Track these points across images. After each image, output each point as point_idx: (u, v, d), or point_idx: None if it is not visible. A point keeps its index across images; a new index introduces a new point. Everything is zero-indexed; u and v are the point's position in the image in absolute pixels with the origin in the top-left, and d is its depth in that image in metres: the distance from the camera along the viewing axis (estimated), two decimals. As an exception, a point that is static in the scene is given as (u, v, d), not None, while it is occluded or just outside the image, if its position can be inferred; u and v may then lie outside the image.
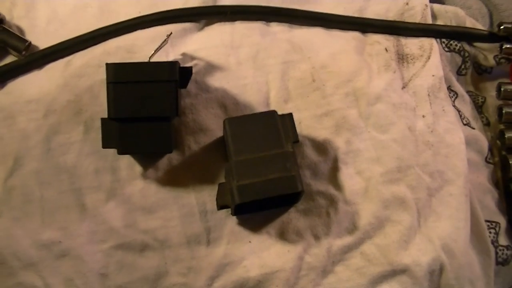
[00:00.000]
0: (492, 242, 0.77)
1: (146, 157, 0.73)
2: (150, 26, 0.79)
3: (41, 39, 0.79)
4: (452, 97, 0.82)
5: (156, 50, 0.74)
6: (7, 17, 0.79)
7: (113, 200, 0.72)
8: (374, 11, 0.84)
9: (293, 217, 0.73)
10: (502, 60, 0.85)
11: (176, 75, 0.67)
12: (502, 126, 0.82)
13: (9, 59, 0.78)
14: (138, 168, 0.73)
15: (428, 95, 0.79)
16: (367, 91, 0.77)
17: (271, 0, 0.82)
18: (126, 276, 0.70)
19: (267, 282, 0.70)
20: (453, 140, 0.77)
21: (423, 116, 0.78)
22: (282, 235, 0.72)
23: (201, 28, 0.81)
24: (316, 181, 0.74)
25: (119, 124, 0.67)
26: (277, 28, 0.82)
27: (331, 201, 0.73)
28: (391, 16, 0.84)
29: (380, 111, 0.77)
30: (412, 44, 0.82)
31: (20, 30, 0.80)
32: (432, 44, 0.82)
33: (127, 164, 0.73)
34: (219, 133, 0.74)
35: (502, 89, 0.81)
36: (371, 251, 0.72)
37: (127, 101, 0.66)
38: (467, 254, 0.74)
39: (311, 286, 0.71)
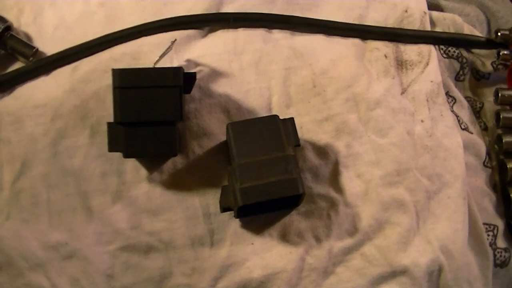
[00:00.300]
0: (490, 245, 0.78)
1: (151, 160, 0.74)
2: (155, 33, 0.80)
3: (48, 46, 0.80)
4: (450, 102, 0.83)
5: (161, 56, 0.74)
6: (15, 24, 0.80)
7: (119, 203, 0.73)
8: (373, 18, 0.85)
9: (295, 219, 0.74)
10: (500, 66, 0.86)
11: (181, 81, 0.68)
12: (499, 131, 0.83)
13: (18, 65, 0.78)
14: (143, 171, 0.74)
15: (427, 100, 0.80)
16: (367, 96, 0.78)
17: (273, 7, 0.84)
18: (131, 277, 0.71)
19: (270, 282, 0.71)
20: (451, 144, 0.78)
21: (422, 121, 0.79)
22: (284, 237, 0.73)
23: (205, 35, 0.82)
24: (317, 184, 0.75)
25: (124, 128, 0.68)
26: (279, 35, 0.83)
27: (332, 204, 0.74)
28: (390, 23, 0.85)
29: (379, 115, 0.78)
30: (411, 51, 0.84)
31: (28, 37, 0.80)
32: (430, 51, 0.83)
33: (133, 167, 0.74)
34: (222, 137, 0.75)
35: (499, 94, 0.82)
36: (371, 252, 0.73)
37: (132, 105, 0.66)
38: (465, 255, 0.75)
39: (312, 286, 0.71)
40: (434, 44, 0.84)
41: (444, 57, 0.85)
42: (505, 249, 0.79)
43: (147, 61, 0.77)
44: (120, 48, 0.79)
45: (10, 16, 0.81)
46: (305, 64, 0.80)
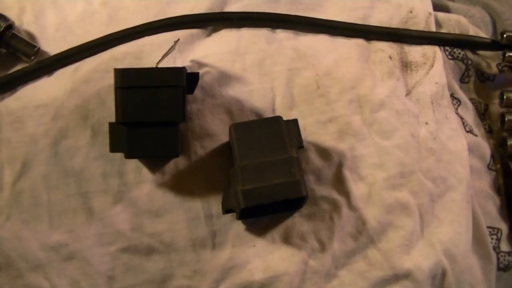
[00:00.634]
0: (494, 248, 0.78)
1: (153, 161, 0.74)
2: (157, 32, 0.79)
3: (50, 45, 0.79)
4: (455, 104, 0.82)
5: (164, 56, 0.74)
6: (16, 23, 0.80)
7: (120, 204, 0.72)
8: (378, 19, 0.84)
9: (297, 221, 0.73)
10: (505, 68, 0.85)
11: (184, 81, 0.67)
12: (504, 134, 0.83)
13: (20, 65, 0.78)
14: (145, 172, 0.73)
15: (431, 102, 0.80)
16: (371, 98, 0.78)
17: (277, 7, 0.83)
18: (132, 279, 0.70)
19: (271, 285, 0.70)
20: (456, 146, 0.78)
21: (426, 123, 0.79)
22: (286, 239, 0.72)
23: (208, 35, 0.81)
24: (320, 186, 0.74)
25: (126, 129, 0.67)
26: (283, 35, 0.82)
27: (335, 206, 0.74)
28: (395, 23, 0.84)
29: (383, 117, 0.77)
30: (415, 52, 0.83)
31: (30, 36, 0.80)
32: (435, 52, 0.83)
33: (134, 168, 0.73)
34: (225, 138, 0.75)
35: (504, 96, 0.81)
36: (374, 255, 0.72)
37: (134, 106, 0.66)
38: (468, 259, 0.74)
39: (314, 289, 0.71)
40: (439, 45, 0.84)
41: (449, 59, 0.85)
42: (509, 253, 0.79)
43: (149, 61, 0.77)
44: (122, 48, 0.79)
45: (11, 15, 0.80)
46: (308, 65, 0.80)
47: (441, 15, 0.87)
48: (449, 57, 0.85)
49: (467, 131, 0.81)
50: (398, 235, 0.73)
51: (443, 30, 0.86)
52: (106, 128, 0.70)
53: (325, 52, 0.81)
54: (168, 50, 0.75)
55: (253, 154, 0.66)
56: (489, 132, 0.86)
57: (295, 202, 0.68)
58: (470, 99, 0.86)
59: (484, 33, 0.88)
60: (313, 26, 0.83)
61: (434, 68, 0.82)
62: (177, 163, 0.74)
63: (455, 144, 0.78)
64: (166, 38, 0.79)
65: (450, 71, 0.84)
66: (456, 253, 0.73)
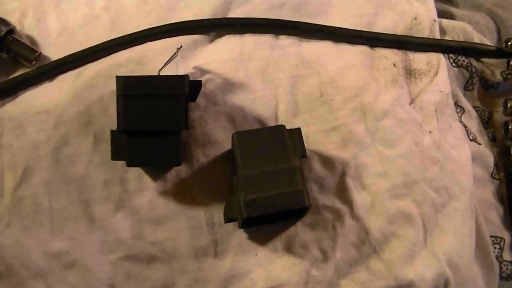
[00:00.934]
0: (497, 257, 0.78)
1: (155, 169, 0.73)
2: (160, 38, 0.79)
3: (52, 50, 0.79)
4: (458, 112, 0.82)
5: (166, 63, 0.74)
6: (18, 27, 0.79)
7: (121, 212, 0.72)
8: (382, 26, 0.84)
9: (300, 230, 0.73)
10: (509, 76, 0.85)
11: (186, 89, 0.67)
12: (508, 142, 0.82)
13: (21, 70, 0.78)
14: (146, 180, 0.73)
15: (435, 110, 0.80)
16: (375, 107, 0.77)
17: (280, 13, 0.83)
18: (133, 287, 0.70)
19: (274, 295, 0.70)
20: (459, 156, 0.77)
21: (430, 132, 0.78)
22: (289, 249, 0.72)
23: (211, 41, 0.81)
24: (323, 195, 0.74)
25: (128, 137, 0.67)
26: (286, 41, 0.82)
27: (338, 215, 0.73)
28: (399, 30, 0.84)
29: (387, 126, 0.77)
30: (420, 59, 0.83)
31: (31, 40, 0.79)
32: (439, 60, 0.82)
33: (136, 175, 0.73)
34: (227, 146, 0.74)
35: (508, 104, 0.81)
36: (377, 265, 0.72)
37: (136, 114, 0.65)
38: (471, 269, 0.74)
39: (316, 299, 0.71)
40: (443, 52, 0.83)
41: (453, 66, 0.84)
42: (511, 262, 0.78)
43: (152, 67, 0.76)
44: (125, 53, 0.78)
45: (13, 20, 0.80)
46: (312, 73, 0.79)
47: (445, 22, 0.87)
48: (453, 64, 0.84)
49: (471, 140, 0.81)
50: (401, 245, 0.73)
51: (448, 37, 0.86)
52: (108, 135, 0.70)
53: (329, 59, 0.81)
54: (171, 57, 0.75)
55: (256, 163, 0.66)
56: (493, 140, 0.85)
57: (298, 211, 0.68)
58: (474, 107, 0.85)
59: (488, 40, 0.87)
60: (317, 32, 0.83)
61: (438, 76, 0.81)
62: (179, 171, 0.74)
63: (459, 153, 0.78)
64: (169, 44, 0.78)
65: (454, 79, 0.84)
66: (459, 263, 0.73)
